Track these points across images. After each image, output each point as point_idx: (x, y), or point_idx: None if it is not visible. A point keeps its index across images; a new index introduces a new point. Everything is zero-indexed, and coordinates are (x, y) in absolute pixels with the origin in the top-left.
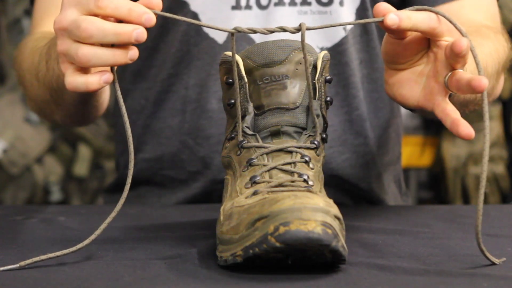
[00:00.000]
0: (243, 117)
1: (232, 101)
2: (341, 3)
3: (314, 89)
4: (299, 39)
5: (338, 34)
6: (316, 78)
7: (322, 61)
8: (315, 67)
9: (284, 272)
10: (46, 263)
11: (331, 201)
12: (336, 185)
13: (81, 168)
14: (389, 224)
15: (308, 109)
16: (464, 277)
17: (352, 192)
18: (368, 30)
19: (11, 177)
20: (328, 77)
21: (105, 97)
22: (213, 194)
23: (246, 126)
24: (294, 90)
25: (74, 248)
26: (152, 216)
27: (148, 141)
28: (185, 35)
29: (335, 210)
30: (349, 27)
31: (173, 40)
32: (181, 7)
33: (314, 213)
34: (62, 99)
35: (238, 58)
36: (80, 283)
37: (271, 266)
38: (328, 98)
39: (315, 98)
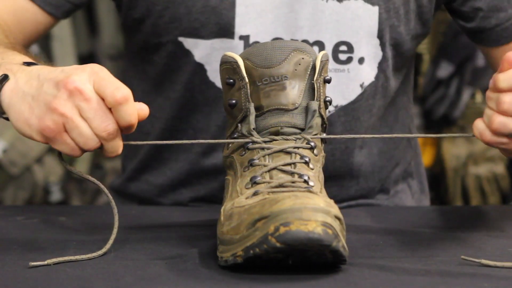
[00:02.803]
0: (245, 117)
1: (233, 101)
2: (360, 61)
3: (313, 89)
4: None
5: (354, 91)
6: (314, 78)
7: (321, 62)
8: (314, 67)
9: (285, 273)
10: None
11: (331, 201)
12: None
13: (81, 168)
14: (389, 224)
15: (307, 110)
16: (465, 277)
17: None
18: (387, 76)
19: (11, 177)
20: (327, 77)
21: None
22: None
23: (253, 128)
24: (293, 91)
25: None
26: (152, 217)
27: (153, 166)
28: (189, 83)
29: (335, 210)
30: (366, 83)
31: (176, 82)
32: (185, 55)
33: (315, 213)
34: None
35: (238, 58)
36: (81, 283)
37: (272, 267)
38: (328, 98)
39: (313, 99)
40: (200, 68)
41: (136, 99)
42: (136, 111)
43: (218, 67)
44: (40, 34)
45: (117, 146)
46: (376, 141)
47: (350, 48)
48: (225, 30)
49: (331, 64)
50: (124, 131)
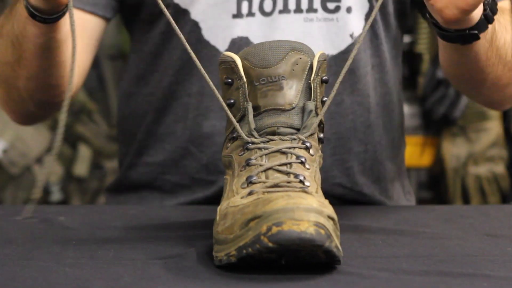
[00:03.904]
0: (243, 117)
1: (232, 101)
2: (348, 10)
3: (310, 89)
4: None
5: (344, 41)
6: (311, 79)
7: (318, 61)
8: (311, 67)
9: (284, 273)
10: (46, 263)
11: (326, 201)
12: (339, 196)
13: (81, 168)
14: (389, 224)
15: (304, 110)
16: (464, 277)
17: (353, 199)
18: (377, 34)
19: (11, 177)
20: (324, 78)
21: (68, 54)
22: (216, 202)
23: (254, 129)
24: (291, 91)
25: None
26: (152, 216)
27: (151, 145)
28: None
29: (329, 210)
30: (356, 34)
31: (174, 47)
32: (183, 15)
33: (307, 213)
34: (22, 49)
35: (236, 58)
36: (80, 283)
37: (269, 267)
38: (325, 98)
39: (310, 99)
40: (195, 27)
41: (135, 75)
42: None
43: (213, 25)
44: (99, 42)
45: None
46: (381, 123)
47: None
48: None
49: (320, 13)
50: None
